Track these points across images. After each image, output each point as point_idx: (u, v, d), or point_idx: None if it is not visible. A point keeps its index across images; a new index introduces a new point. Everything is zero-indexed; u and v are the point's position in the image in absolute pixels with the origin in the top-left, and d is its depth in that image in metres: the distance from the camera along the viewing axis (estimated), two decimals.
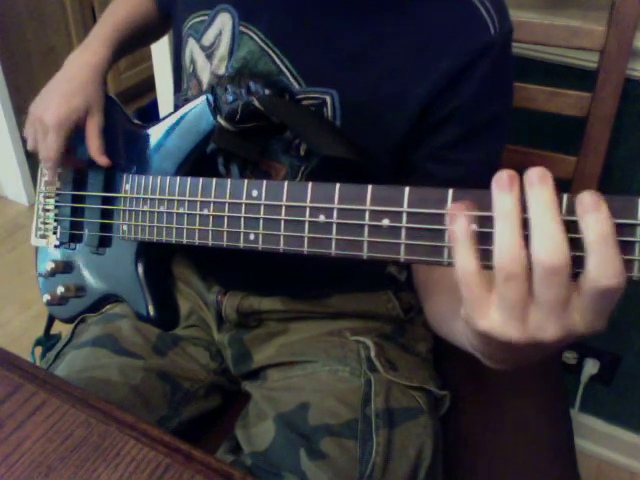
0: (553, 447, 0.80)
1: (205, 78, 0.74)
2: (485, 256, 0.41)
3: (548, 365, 0.93)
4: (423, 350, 0.84)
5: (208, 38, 0.73)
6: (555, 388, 0.90)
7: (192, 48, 0.75)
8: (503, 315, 0.39)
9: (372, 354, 0.75)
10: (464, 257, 0.40)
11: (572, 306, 0.38)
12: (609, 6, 0.88)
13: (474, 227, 0.40)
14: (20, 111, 2.09)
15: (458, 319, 0.49)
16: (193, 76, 0.76)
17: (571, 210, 0.39)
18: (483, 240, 0.41)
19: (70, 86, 0.75)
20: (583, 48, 0.92)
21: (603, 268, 0.36)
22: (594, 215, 0.36)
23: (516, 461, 0.79)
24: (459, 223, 0.40)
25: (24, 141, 0.79)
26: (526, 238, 0.38)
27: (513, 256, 0.37)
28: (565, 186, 0.98)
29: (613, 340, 1.28)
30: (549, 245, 0.36)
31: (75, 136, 0.76)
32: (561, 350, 1.31)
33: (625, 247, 0.37)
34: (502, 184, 0.38)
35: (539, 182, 0.37)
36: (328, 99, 0.66)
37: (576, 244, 0.37)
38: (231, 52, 0.70)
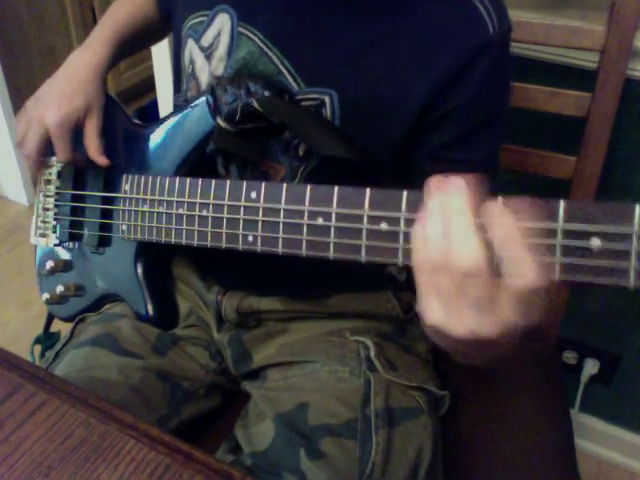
0: (553, 447, 0.80)
1: (204, 79, 0.74)
2: None
3: (548, 365, 0.93)
4: (423, 350, 0.84)
5: (207, 39, 0.73)
6: (555, 388, 0.90)
7: (191, 49, 0.75)
8: (442, 310, 0.42)
9: (372, 354, 0.75)
10: (415, 251, 0.43)
11: (501, 303, 0.40)
12: (609, 6, 0.88)
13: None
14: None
15: None
16: (192, 77, 0.76)
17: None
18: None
19: (70, 86, 0.75)
20: (583, 48, 0.92)
21: (514, 268, 0.38)
22: (499, 223, 0.39)
23: (516, 461, 0.79)
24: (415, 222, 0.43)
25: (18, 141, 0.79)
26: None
27: (437, 247, 0.41)
28: (565, 186, 0.98)
29: (613, 340, 1.28)
30: (463, 248, 0.39)
31: (75, 136, 0.76)
32: (561, 349, 1.31)
33: (622, 255, 0.37)
34: (431, 188, 0.42)
35: (455, 187, 0.41)
36: (327, 99, 0.66)
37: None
38: (230, 53, 0.70)
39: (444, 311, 0.42)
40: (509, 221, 0.39)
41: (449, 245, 0.40)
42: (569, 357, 1.34)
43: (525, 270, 0.38)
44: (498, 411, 0.85)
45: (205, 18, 0.73)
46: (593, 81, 0.92)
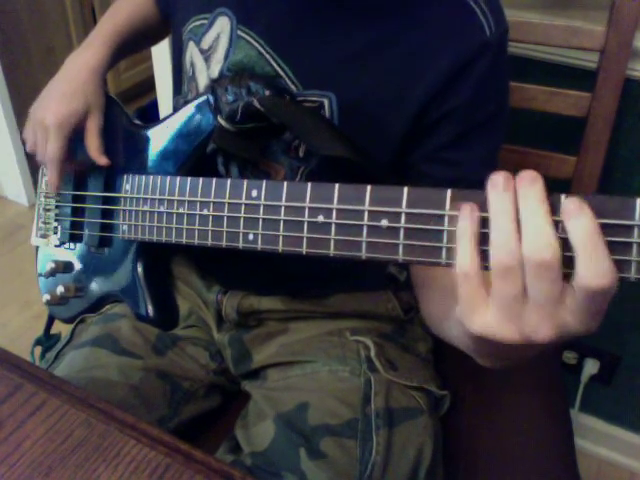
0: (553, 447, 0.80)
1: (202, 81, 0.74)
2: (484, 257, 0.41)
3: (548, 365, 0.93)
4: (423, 350, 0.84)
5: (207, 42, 0.73)
6: (555, 388, 0.90)
7: (192, 51, 0.75)
8: (499, 315, 0.40)
9: (372, 354, 0.75)
10: (465, 254, 0.41)
11: (565, 306, 0.39)
12: (609, 6, 0.88)
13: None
14: (20, 111, 2.09)
15: (451, 318, 0.50)
16: (193, 79, 0.76)
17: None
18: (483, 241, 0.42)
19: (70, 87, 0.76)
20: (583, 48, 0.92)
21: (591, 269, 0.37)
22: (578, 219, 0.37)
23: (516, 461, 0.79)
24: (464, 220, 0.41)
25: (24, 141, 0.79)
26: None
27: (508, 250, 0.39)
28: (565, 186, 0.98)
29: (613, 340, 1.28)
30: (538, 240, 0.38)
31: (75, 137, 0.76)
32: (558, 348, 1.31)
33: (621, 248, 0.38)
34: (497, 185, 0.40)
35: (530, 182, 0.39)
36: (326, 102, 0.66)
37: (568, 245, 0.38)
38: (227, 55, 0.70)
39: (496, 316, 0.40)
40: (588, 217, 0.37)
41: (523, 243, 0.38)
42: (569, 357, 1.34)
43: (604, 270, 0.36)
44: (498, 411, 0.85)
45: (205, 21, 0.73)
46: (593, 81, 0.92)
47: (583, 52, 1.00)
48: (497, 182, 0.40)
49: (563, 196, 0.39)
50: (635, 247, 0.38)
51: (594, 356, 1.31)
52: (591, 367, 1.32)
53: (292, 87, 0.67)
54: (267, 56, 0.68)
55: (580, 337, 0.40)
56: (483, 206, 0.41)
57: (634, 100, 1.05)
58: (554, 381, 0.91)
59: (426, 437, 0.70)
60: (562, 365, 1.32)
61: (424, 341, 0.85)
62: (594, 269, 0.37)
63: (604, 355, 1.30)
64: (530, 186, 0.39)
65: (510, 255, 0.39)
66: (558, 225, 0.39)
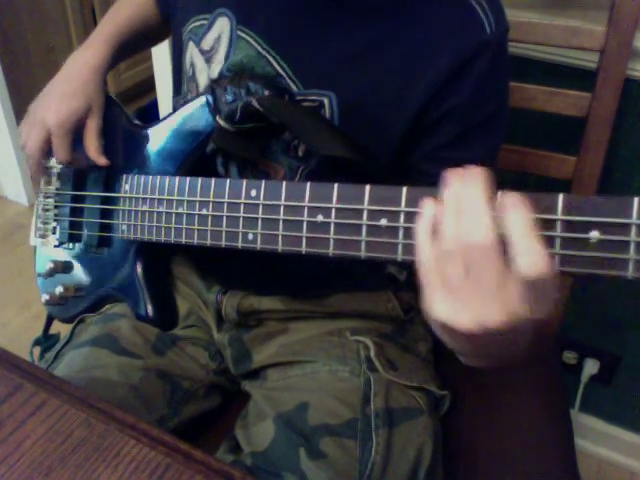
0: (553, 447, 0.80)
1: (202, 81, 0.74)
2: None
3: (548, 365, 0.93)
4: (423, 350, 0.84)
5: (207, 42, 0.73)
6: (555, 388, 0.90)
7: (192, 52, 0.75)
8: (449, 302, 0.42)
9: (372, 354, 0.75)
10: (421, 245, 0.43)
11: (510, 290, 0.41)
12: (609, 6, 0.88)
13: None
14: (20, 111, 2.08)
15: None
16: (192, 80, 0.76)
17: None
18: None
19: (70, 86, 0.76)
20: (583, 48, 0.92)
21: (526, 256, 0.39)
22: (513, 211, 0.41)
23: (516, 461, 0.78)
24: (421, 222, 0.44)
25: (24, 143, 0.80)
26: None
27: (449, 236, 0.42)
28: (565, 186, 0.98)
29: (613, 340, 1.28)
30: (475, 223, 0.41)
31: (75, 137, 0.76)
32: (545, 346, 1.31)
33: (621, 247, 0.38)
34: (447, 180, 0.44)
35: (471, 178, 0.43)
36: (326, 101, 0.66)
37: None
38: (227, 56, 0.70)
39: (451, 303, 0.42)
40: (522, 211, 0.40)
41: (461, 227, 0.41)
42: (569, 357, 1.34)
43: (537, 258, 0.39)
44: (498, 411, 0.85)
45: (205, 22, 0.73)
46: (593, 81, 0.92)
47: (583, 52, 1.00)
48: (448, 179, 0.44)
49: (560, 197, 0.41)
50: (632, 245, 0.38)
51: (594, 356, 1.31)
52: (591, 367, 1.32)
53: (292, 86, 0.67)
54: (267, 56, 0.68)
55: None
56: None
57: (634, 100, 1.05)
58: (554, 381, 0.91)
59: (426, 437, 0.70)
60: (562, 365, 1.32)
61: (424, 341, 0.85)
62: (528, 258, 0.39)
63: (604, 355, 1.30)
64: (472, 180, 0.42)
65: (450, 240, 0.42)
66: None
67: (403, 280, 0.83)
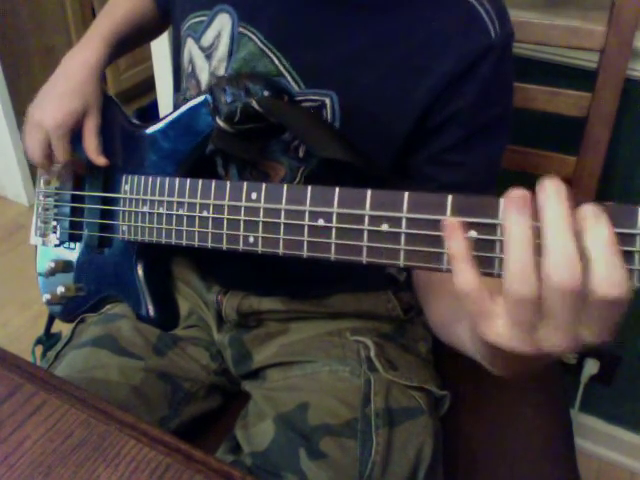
0: (553, 447, 0.80)
1: (204, 79, 0.74)
2: (488, 264, 0.41)
3: (548, 365, 0.93)
4: (423, 350, 0.84)
5: (207, 39, 0.73)
6: (555, 388, 0.90)
7: (191, 48, 0.75)
8: (510, 329, 0.39)
9: (372, 354, 0.75)
10: (464, 274, 0.39)
11: (582, 322, 0.37)
12: (609, 6, 0.88)
13: (474, 234, 0.41)
14: (20, 111, 2.09)
15: (460, 324, 0.49)
16: (192, 76, 0.76)
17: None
18: (486, 248, 0.41)
19: (68, 86, 0.75)
20: (583, 48, 0.92)
21: (608, 279, 0.36)
22: (596, 228, 0.36)
23: (516, 461, 0.79)
24: (455, 240, 0.40)
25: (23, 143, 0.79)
26: (537, 248, 0.37)
27: (524, 280, 0.37)
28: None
29: (613, 340, 1.28)
30: (564, 268, 0.36)
31: (73, 137, 0.76)
32: None
33: (625, 257, 0.37)
34: (514, 204, 0.37)
35: (556, 197, 0.37)
36: (327, 101, 0.66)
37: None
38: (230, 53, 0.70)
39: (514, 329, 0.39)
40: (605, 226, 0.36)
41: (546, 264, 0.36)
42: (569, 357, 1.34)
43: (618, 280, 0.35)
44: (498, 411, 0.85)
45: (205, 18, 0.73)
46: (593, 81, 0.92)
47: (583, 52, 1.00)
48: (514, 202, 0.37)
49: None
50: (637, 256, 0.37)
51: (594, 356, 1.31)
52: (591, 367, 1.32)
53: (294, 86, 0.67)
54: (270, 54, 0.68)
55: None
56: (489, 212, 0.41)
57: (634, 100, 1.05)
58: (554, 381, 0.91)
59: (426, 437, 0.70)
60: (562, 365, 1.32)
61: (424, 341, 0.85)
62: (609, 279, 0.35)
63: (604, 355, 1.30)
64: (555, 202, 0.36)
65: (526, 286, 0.37)
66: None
67: (403, 280, 0.83)
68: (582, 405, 1.38)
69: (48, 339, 0.90)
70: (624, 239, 0.37)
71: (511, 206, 0.37)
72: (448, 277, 0.50)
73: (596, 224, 0.36)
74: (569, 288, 0.36)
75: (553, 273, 0.36)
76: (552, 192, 0.37)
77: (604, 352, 1.30)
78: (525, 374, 0.47)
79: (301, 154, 0.69)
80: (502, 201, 0.40)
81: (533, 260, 0.37)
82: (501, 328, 0.39)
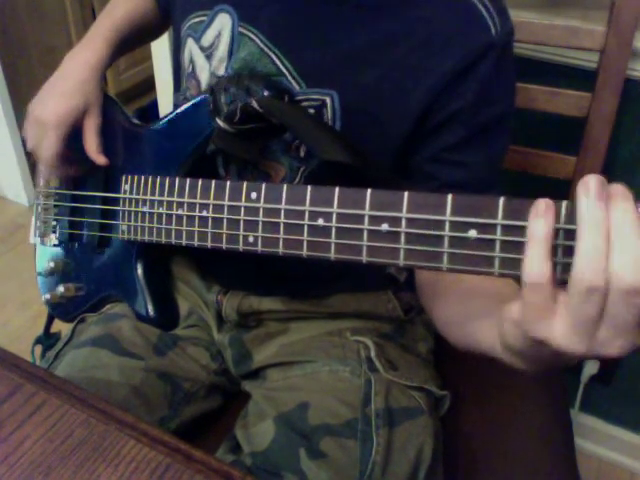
0: (553, 447, 0.80)
1: (204, 79, 0.74)
2: (488, 264, 0.41)
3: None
4: (423, 350, 0.84)
5: (207, 39, 0.73)
6: (555, 388, 0.90)
7: (191, 48, 0.75)
8: (570, 328, 0.38)
9: (372, 354, 0.75)
10: (537, 261, 0.38)
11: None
12: (609, 6, 0.88)
13: (474, 233, 0.41)
14: (20, 111, 2.09)
15: (478, 322, 0.49)
16: (192, 76, 0.76)
17: None
18: (485, 247, 0.41)
19: (68, 85, 0.75)
20: (583, 48, 0.93)
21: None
22: (622, 201, 0.36)
23: (516, 461, 0.78)
24: (545, 222, 0.38)
25: (24, 141, 0.79)
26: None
27: (597, 269, 0.36)
28: (565, 186, 0.98)
29: None
30: (632, 265, 0.35)
31: (73, 136, 0.76)
32: None
33: None
34: (590, 190, 0.37)
35: (624, 199, 0.37)
36: (328, 100, 0.66)
37: None
38: (230, 53, 0.70)
39: (574, 329, 0.38)
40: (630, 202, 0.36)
41: (611, 263, 0.36)
42: None
43: None
44: (498, 411, 0.85)
45: (205, 18, 0.73)
46: (593, 81, 0.92)
47: (583, 52, 1.00)
48: (590, 187, 0.37)
49: (563, 204, 0.38)
50: None
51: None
52: (591, 367, 1.32)
53: (294, 85, 0.67)
54: (270, 54, 0.68)
55: None
56: (483, 212, 0.41)
57: (634, 100, 1.05)
58: (554, 381, 0.91)
59: (426, 437, 0.70)
60: None
61: (424, 341, 0.85)
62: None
63: None
64: (624, 203, 0.36)
65: (598, 275, 0.36)
66: None
67: (403, 280, 0.83)
68: (582, 405, 1.38)
69: (47, 339, 0.90)
70: None
71: (584, 191, 0.37)
72: (459, 277, 0.50)
73: (623, 199, 0.36)
74: (635, 288, 0.35)
75: (619, 269, 0.36)
76: (620, 192, 0.37)
77: None
78: (549, 370, 0.46)
79: (302, 154, 0.69)
80: (502, 201, 0.41)
81: (606, 247, 0.36)
82: (558, 328, 0.39)
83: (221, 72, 0.71)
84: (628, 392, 1.34)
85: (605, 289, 0.36)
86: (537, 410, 0.85)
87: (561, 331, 0.39)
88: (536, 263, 0.38)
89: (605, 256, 0.36)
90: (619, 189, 0.37)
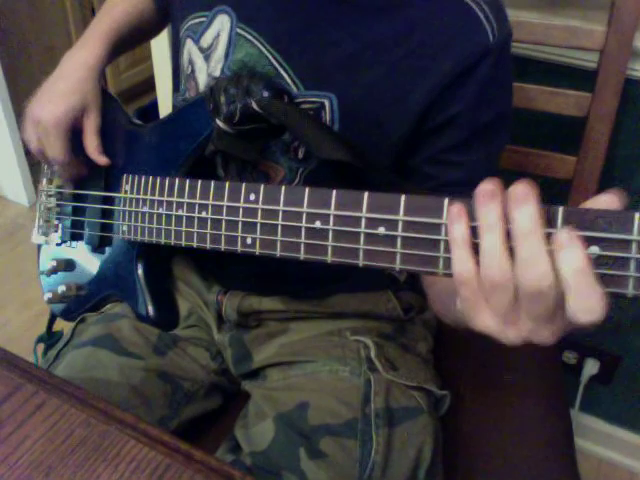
0: (553, 447, 0.80)
1: (201, 79, 0.74)
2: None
3: (548, 365, 0.93)
4: (423, 350, 0.84)
5: (206, 40, 0.73)
6: (555, 388, 0.90)
7: (190, 49, 0.75)
8: (497, 320, 0.41)
9: (372, 354, 0.75)
10: (462, 259, 0.41)
11: (560, 316, 0.39)
12: (609, 6, 0.88)
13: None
14: (20, 111, 2.08)
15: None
16: (191, 77, 0.76)
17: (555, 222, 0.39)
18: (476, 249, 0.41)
19: (67, 84, 0.75)
20: (583, 48, 0.93)
21: (581, 304, 0.37)
22: (569, 252, 0.37)
23: (516, 461, 0.79)
24: (458, 225, 0.41)
25: (24, 141, 0.79)
26: (511, 250, 0.39)
27: (498, 268, 0.39)
28: (565, 186, 0.98)
29: (613, 340, 1.28)
30: (533, 269, 0.38)
31: (73, 135, 0.76)
32: (561, 349, 1.31)
33: (621, 264, 0.37)
34: (485, 196, 0.39)
35: (523, 199, 0.38)
36: (327, 102, 0.66)
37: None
38: (227, 54, 0.70)
39: (500, 320, 0.41)
40: (578, 251, 0.36)
41: (516, 267, 0.38)
42: (569, 357, 1.34)
43: (592, 306, 0.36)
44: (498, 411, 0.85)
45: (204, 19, 0.73)
46: (593, 81, 0.92)
47: (583, 52, 1.00)
48: (483, 192, 0.39)
49: (560, 209, 0.38)
50: (633, 263, 0.37)
51: (594, 356, 1.31)
52: (591, 367, 1.32)
53: (293, 87, 0.67)
54: (268, 55, 0.68)
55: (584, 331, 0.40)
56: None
57: (634, 100, 1.05)
58: (554, 381, 0.91)
59: (426, 437, 0.70)
60: (562, 365, 1.32)
61: (424, 341, 0.85)
62: (583, 305, 0.36)
63: (604, 355, 1.30)
64: (523, 203, 0.38)
65: (500, 273, 0.39)
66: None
67: (403, 280, 0.83)
68: (582, 405, 1.38)
69: (50, 338, 0.90)
70: (619, 245, 0.37)
71: (480, 196, 0.40)
72: None
73: (569, 246, 0.36)
74: (538, 292, 0.38)
75: (522, 274, 0.38)
76: (520, 193, 0.38)
77: (604, 352, 1.30)
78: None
79: (300, 155, 0.69)
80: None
81: (505, 247, 0.39)
82: (488, 319, 0.41)
83: (217, 73, 0.71)
84: (628, 392, 1.34)
85: (512, 286, 0.39)
86: (537, 410, 0.85)
87: (491, 322, 0.42)
88: (460, 263, 0.41)
89: (505, 256, 0.39)
90: (518, 191, 0.38)
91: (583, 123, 0.94)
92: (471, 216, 0.41)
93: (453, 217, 0.41)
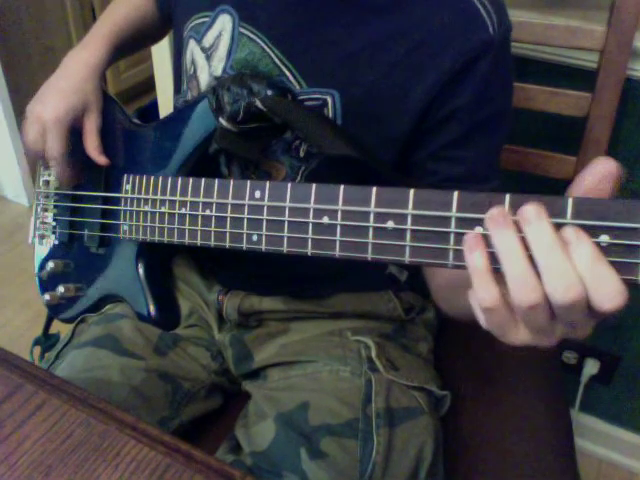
0: (553, 447, 0.80)
1: (203, 79, 0.74)
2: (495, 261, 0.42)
3: (548, 365, 0.93)
4: (424, 350, 0.84)
5: (208, 39, 0.73)
6: (555, 388, 0.90)
7: (193, 50, 0.75)
8: (532, 333, 0.42)
9: (373, 354, 0.75)
10: (485, 287, 0.40)
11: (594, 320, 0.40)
12: (609, 6, 0.88)
13: (480, 230, 0.42)
14: (20, 111, 2.09)
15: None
16: (193, 78, 0.76)
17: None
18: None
19: (67, 84, 0.76)
20: (583, 48, 0.92)
21: (603, 292, 0.37)
22: (578, 246, 0.38)
23: (516, 461, 0.79)
24: (476, 254, 0.41)
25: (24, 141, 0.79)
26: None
27: (529, 289, 0.39)
28: (565, 186, 0.98)
29: (613, 340, 1.28)
30: (561, 285, 0.38)
31: (73, 136, 0.76)
32: (561, 349, 1.31)
33: (631, 251, 0.38)
34: (497, 222, 0.39)
35: (536, 218, 0.39)
36: (329, 99, 0.66)
37: None
38: (229, 53, 0.70)
39: (535, 333, 0.42)
40: (586, 245, 0.37)
41: (546, 283, 0.38)
42: (569, 357, 1.34)
43: (613, 293, 0.37)
44: (498, 411, 0.85)
45: (207, 19, 0.73)
46: (593, 81, 0.92)
47: (583, 52, 1.00)
48: (494, 218, 0.40)
49: (570, 200, 0.39)
50: None
51: (594, 356, 1.31)
52: (591, 367, 1.32)
53: (295, 85, 0.67)
54: (271, 53, 0.68)
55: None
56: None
57: (634, 100, 1.05)
58: (554, 381, 0.91)
59: (427, 437, 0.70)
60: (562, 365, 1.32)
61: (425, 341, 0.85)
62: (605, 292, 0.37)
63: (604, 355, 1.30)
64: (537, 222, 0.38)
65: (532, 294, 0.39)
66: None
67: (404, 280, 0.83)
68: (582, 405, 1.38)
69: (46, 340, 0.90)
70: (629, 233, 0.38)
71: (492, 222, 0.40)
72: None
73: (577, 242, 0.37)
74: (570, 303, 0.38)
75: (551, 291, 0.38)
76: (532, 214, 0.39)
77: (604, 352, 1.30)
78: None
79: (302, 154, 0.69)
80: (507, 197, 0.41)
81: (529, 266, 0.39)
82: (523, 334, 0.42)
83: (218, 73, 0.71)
84: (628, 392, 1.34)
85: (546, 303, 0.39)
86: (537, 410, 0.85)
87: (526, 336, 0.42)
88: (483, 291, 0.40)
89: (534, 276, 0.38)
90: (529, 211, 0.39)
91: (583, 123, 0.94)
92: (486, 241, 0.41)
93: (470, 246, 0.41)
